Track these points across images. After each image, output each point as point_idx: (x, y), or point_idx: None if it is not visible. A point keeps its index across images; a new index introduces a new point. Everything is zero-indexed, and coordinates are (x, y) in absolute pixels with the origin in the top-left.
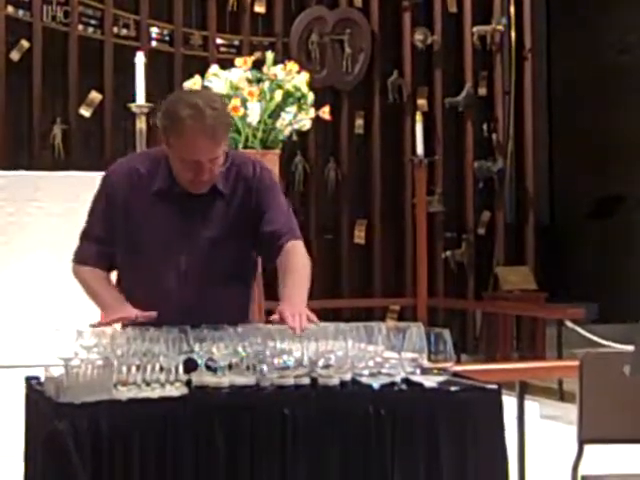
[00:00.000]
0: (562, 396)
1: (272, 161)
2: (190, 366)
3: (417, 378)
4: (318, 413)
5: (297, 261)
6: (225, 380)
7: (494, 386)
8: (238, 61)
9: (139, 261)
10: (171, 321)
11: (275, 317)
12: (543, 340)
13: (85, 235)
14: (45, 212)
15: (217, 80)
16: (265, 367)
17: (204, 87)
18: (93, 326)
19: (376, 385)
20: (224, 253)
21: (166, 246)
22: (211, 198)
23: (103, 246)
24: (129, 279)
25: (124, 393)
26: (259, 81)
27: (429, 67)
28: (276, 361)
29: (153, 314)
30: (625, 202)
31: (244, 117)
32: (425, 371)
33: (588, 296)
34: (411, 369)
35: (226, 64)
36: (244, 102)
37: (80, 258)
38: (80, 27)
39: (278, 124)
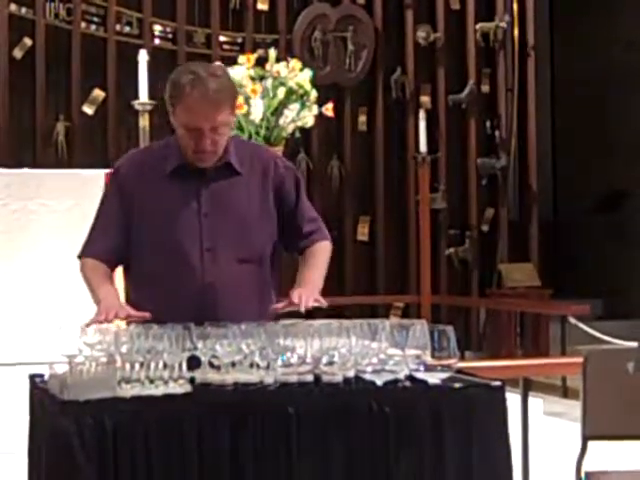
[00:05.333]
0: (566, 393)
1: None
2: (194, 363)
3: (421, 375)
4: (322, 410)
5: (318, 255)
6: (229, 377)
7: (498, 383)
8: (241, 58)
9: (161, 245)
10: (193, 300)
11: (282, 305)
12: (547, 337)
13: (92, 230)
14: (49, 209)
15: None
16: (269, 364)
17: None
18: (86, 325)
19: (380, 382)
20: (244, 231)
21: (188, 225)
22: (227, 175)
23: (110, 239)
24: (151, 264)
25: (128, 390)
26: (262, 78)
27: (432, 64)
28: (279, 358)
29: (146, 315)
30: (629, 198)
31: (247, 114)
32: (429, 368)
33: (592, 293)
34: (415, 366)
35: (229, 62)
36: (247, 99)
37: (84, 252)
38: (83, 25)
39: (281, 121)
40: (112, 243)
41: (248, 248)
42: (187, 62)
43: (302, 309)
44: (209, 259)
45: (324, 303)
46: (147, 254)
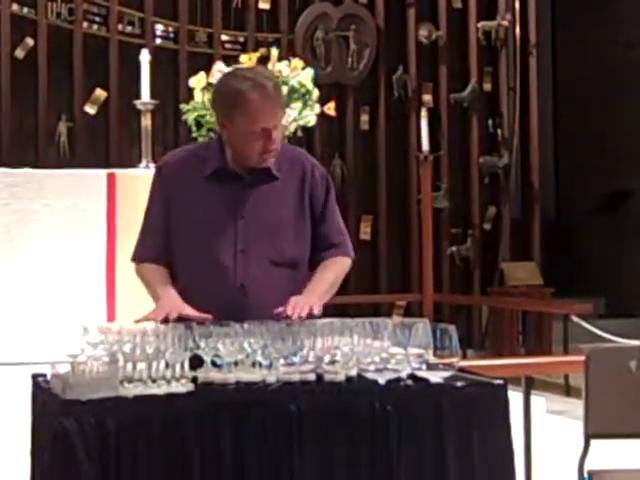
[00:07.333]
0: (568, 391)
1: None
2: (196, 362)
3: (423, 374)
4: (324, 409)
5: (331, 268)
6: (231, 376)
7: (500, 381)
8: (243, 58)
9: (198, 243)
10: (226, 300)
11: (281, 309)
12: (549, 335)
13: (143, 232)
14: (50, 210)
15: None
16: (271, 363)
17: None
18: (138, 321)
19: (382, 381)
20: (279, 235)
21: (223, 227)
22: (264, 179)
23: (160, 240)
24: (185, 264)
25: (130, 390)
26: None
27: (434, 63)
28: (282, 357)
29: (208, 317)
30: (631, 197)
31: None
32: (431, 367)
33: (594, 291)
34: (417, 365)
35: (231, 61)
36: None
37: (141, 256)
38: (85, 24)
39: (283, 120)
40: (163, 243)
41: (281, 251)
42: (227, 73)
43: (295, 318)
44: (242, 260)
45: (316, 312)
46: (182, 254)
